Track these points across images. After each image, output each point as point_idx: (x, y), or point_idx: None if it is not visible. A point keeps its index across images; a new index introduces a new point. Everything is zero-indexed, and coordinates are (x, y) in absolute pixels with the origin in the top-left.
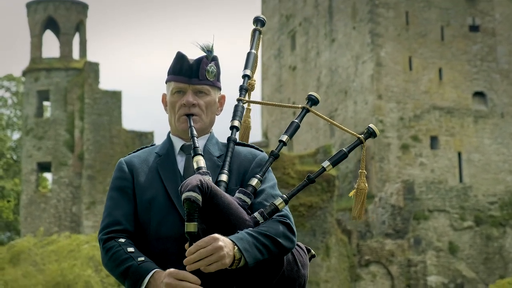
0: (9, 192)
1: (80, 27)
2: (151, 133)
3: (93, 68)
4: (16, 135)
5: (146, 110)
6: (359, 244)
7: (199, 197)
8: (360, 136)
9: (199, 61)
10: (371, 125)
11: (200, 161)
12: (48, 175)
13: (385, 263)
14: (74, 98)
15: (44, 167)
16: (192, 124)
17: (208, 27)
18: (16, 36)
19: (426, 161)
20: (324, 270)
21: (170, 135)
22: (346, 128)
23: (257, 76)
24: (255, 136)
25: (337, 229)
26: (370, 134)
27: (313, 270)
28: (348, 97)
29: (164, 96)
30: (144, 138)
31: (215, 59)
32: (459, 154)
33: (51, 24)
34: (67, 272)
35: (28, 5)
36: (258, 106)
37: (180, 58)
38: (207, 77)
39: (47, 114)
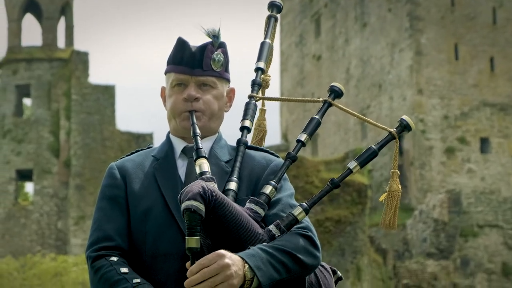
0: None
1: (66, 10)
2: (150, 135)
3: (82, 59)
4: None
5: (144, 108)
6: (396, 266)
7: (202, 207)
8: (392, 130)
9: (203, 48)
10: (404, 117)
11: (203, 165)
12: (29, 185)
13: None
14: (59, 94)
15: (25, 175)
16: (194, 121)
17: (218, 11)
18: None
19: (475, 167)
20: None
21: (170, 135)
22: (375, 122)
23: (276, 67)
24: (273, 138)
25: (370, 248)
26: (404, 127)
27: None
28: (382, 92)
29: (163, 89)
30: (141, 140)
31: (222, 46)
32: None
33: (32, 7)
34: None
35: None
36: (276, 104)
37: (181, 45)
38: (213, 67)
39: (28, 113)
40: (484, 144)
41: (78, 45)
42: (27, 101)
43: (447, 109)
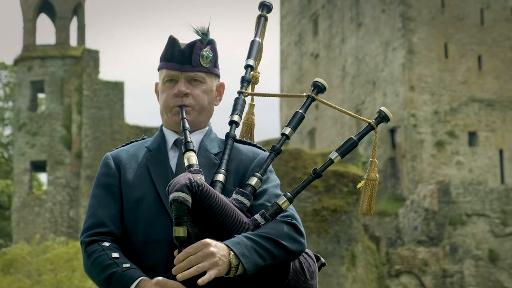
0: None
1: (78, 10)
2: (157, 129)
3: (93, 56)
4: (7, 131)
5: (151, 103)
6: (388, 252)
7: (188, 198)
8: (371, 121)
9: (191, 45)
10: (382, 108)
11: (191, 158)
12: (42, 175)
13: (418, 274)
14: (71, 90)
15: (39, 166)
16: (184, 116)
17: (228, 10)
18: (8, 21)
19: (463, 159)
20: (350, 281)
21: (163, 128)
22: (355, 114)
23: (276, 65)
24: (273, 132)
25: (364, 236)
26: (382, 118)
27: (337, 282)
28: (376, 89)
29: (156, 85)
30: (149, 134)
31: (211, 43)
32: (501, 152)
33: (46, 7)
34: (64, 284)
35: None
36: (276, 99)
37: (171, 42)
38: (202, 63)
39: (42, 107)
40: (472, 137)
41: (90, 44)
42: (41, 96)
43: (437, 104)
